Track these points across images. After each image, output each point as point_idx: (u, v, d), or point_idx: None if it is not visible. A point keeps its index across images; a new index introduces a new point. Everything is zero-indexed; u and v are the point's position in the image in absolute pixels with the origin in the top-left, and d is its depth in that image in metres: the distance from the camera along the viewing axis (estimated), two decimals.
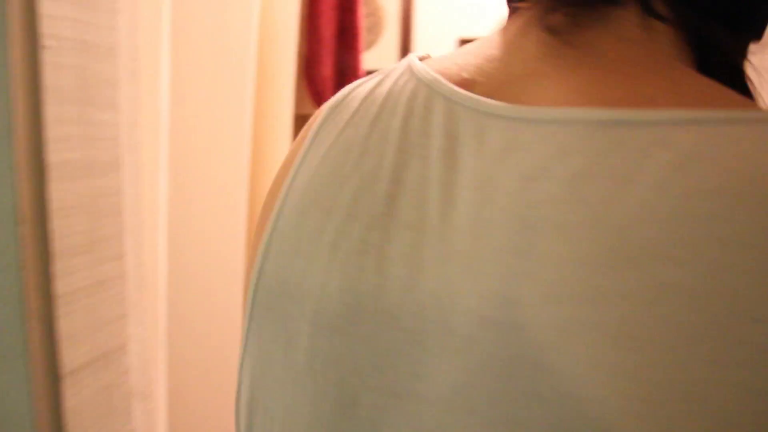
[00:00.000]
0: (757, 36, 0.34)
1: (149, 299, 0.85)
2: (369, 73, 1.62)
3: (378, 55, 2.26)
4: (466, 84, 0.31)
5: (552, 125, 0.27)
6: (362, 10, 1.45)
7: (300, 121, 1.47)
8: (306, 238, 0.32)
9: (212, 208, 1.25)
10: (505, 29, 0.35)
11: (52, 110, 0.62)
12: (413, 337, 0.27)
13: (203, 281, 1.25)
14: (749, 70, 0.34)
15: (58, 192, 0.63)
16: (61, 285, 0.64)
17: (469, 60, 0.34)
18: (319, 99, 1.41)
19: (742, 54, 0.34)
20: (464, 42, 2.25)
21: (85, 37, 0.65)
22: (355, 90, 0.36)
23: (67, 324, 0.66)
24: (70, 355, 0.66)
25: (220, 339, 1.23)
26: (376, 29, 2.28)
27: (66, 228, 0.64)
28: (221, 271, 1.27)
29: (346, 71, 1.46)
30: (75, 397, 0.67)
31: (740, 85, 0.33)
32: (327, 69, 1.41)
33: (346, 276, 0.29)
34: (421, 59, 0.36)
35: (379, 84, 0.35)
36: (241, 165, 1.26)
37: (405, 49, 2.23)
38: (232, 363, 1.28)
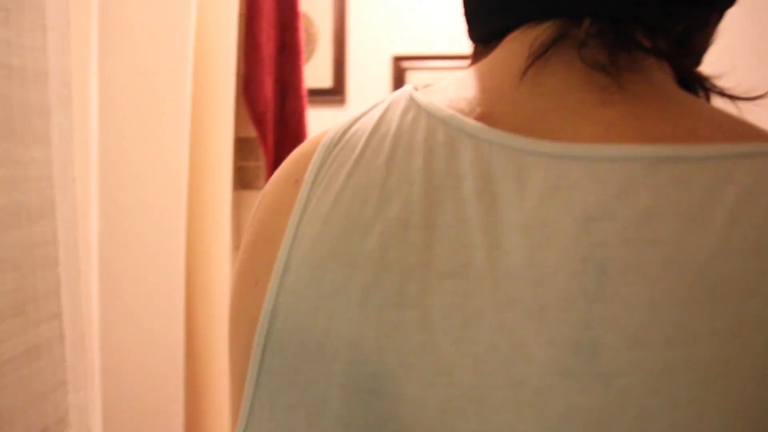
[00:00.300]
0: (699, 63, 0.37)
1: (89, 360, 0.74)
2: (310, 92, 1.53)
3: (311, 71, 2.19)
4: (485, 119, 0.30)
5: (607, 163, 0.27)
6: (303, 28, 1.38)
7: (241, 144, 1.38)
8: (327, 294, 0.28)
9: (148, 244, 1.14)
10: (497, 59, 0.34)
11: None
12: (471, 392, 0.26)
13: (139, 330, 1.13)
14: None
15: None
16: None
17: (475, 94, 0.32)
18: (260, 120, 1.33)
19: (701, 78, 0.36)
20: (399, 59, 2.22)
21: (10, 60, 0.55)
22: (353, 127, 0.33)
23: None
24: None
25: (158, 396, 1.12)
26: (309, 46, 2.21)
27: None
28: (159, 315, 1.16)
29: (288, 91, 1.38)
30: None
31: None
32: (268, 89, 1.33)
33: (384, 333, 0.27)
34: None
35: (381, 120, 0.32)
36: (179, 195, 1.15)
37: (339, 66, 2.17)
38: (172, 419, 1.16)
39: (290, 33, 1.35)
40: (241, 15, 1.28)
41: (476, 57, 0.38)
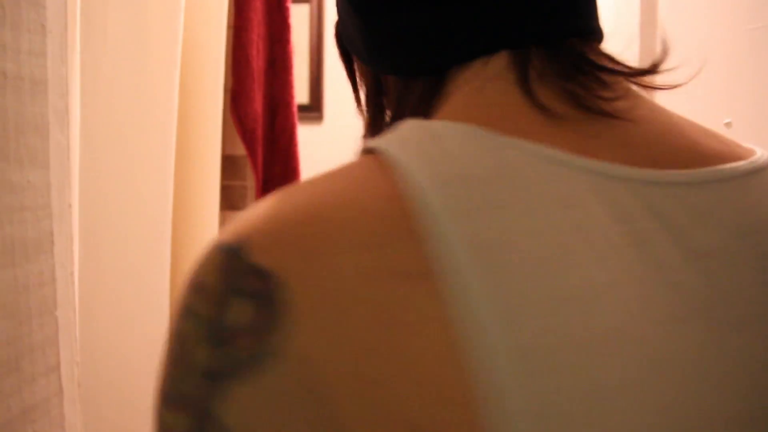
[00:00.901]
0: None
1: (84, 414, 0.64)
2: (300, 108, 1.43)
3: None
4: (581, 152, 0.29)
5: (724, 184, 0.29)
6: (292, 41, 1.31)
7: (228, 162, 1.29)
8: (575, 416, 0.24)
9: (130, 268, 1.04)
10: (469, 100, 0.31)
11: None
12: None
13: (121, 359, 1.03)
14: None
15: None
16: None
17: (514, 137, 0.29)
18: (249, 137, 1.24)
19: None
20: None
21: (4, 66, 0.46)
22: (449, 181, 0.27)
23: None
24: None
25: None
26: None
27: None
28: (142, 344, 1.05)
29: (278, 107, 1.31)
30: None
31: None
32: (257, 105, 1.25)
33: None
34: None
35: (479, 165, 0.27)
36: (164, 216, 1.06)
37: (316, 82, 2.10)
38: None
39: (280, 46, 1.27)
40: (229, 26, 1.20)
41: (395, 91, 0.35)
